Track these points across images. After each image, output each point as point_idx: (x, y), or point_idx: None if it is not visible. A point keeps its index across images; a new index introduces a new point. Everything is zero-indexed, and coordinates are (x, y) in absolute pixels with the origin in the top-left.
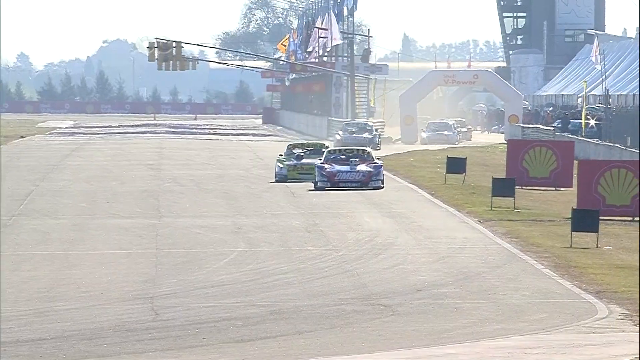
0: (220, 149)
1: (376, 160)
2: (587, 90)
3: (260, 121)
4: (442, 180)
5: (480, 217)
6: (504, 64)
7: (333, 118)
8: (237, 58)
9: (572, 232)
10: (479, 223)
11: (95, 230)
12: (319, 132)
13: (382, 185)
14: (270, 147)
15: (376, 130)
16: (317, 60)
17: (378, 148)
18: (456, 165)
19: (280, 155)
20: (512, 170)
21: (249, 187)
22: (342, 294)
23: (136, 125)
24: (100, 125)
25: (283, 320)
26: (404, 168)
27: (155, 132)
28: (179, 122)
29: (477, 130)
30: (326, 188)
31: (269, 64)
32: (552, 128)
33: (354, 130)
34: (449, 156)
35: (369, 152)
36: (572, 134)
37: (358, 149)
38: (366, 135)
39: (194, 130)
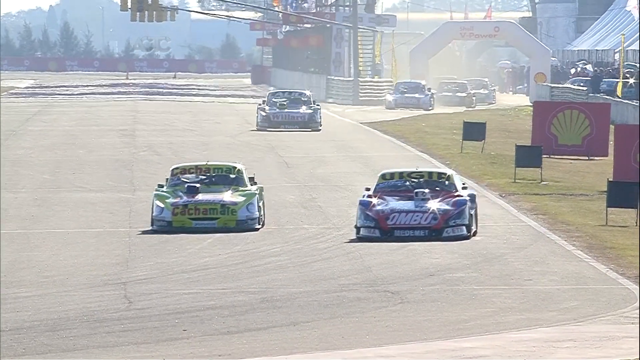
0: (203, 113)
1: (460, 192)
2: (625, 44)
3: (249, 80)
4: (458, 148)
5: (502, 190)
6: (529, 14)
7: (333, 77)
8: (223, 7)
9: (608, 208)
10: (501, 197)
11: (59, 206)
12: (316, 92)
13: (469, 234)
14: None
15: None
16: (314, 10)
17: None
18: (474, 131)
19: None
20: (539, 136)
21: (237, 156)
22: (343, 279)
23: (106, 85)
24: (65, 84)
25: (275, 309)
26: (415, 134)
27: (128, 93)
28: (156, 81)
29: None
30: (374, 238)
31: (259, 14)
32: (585, 88)
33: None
34: (465, 121)
35: (448, 175)
36: (606, 95)
37: (431, 173)
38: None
39: (173, 90)
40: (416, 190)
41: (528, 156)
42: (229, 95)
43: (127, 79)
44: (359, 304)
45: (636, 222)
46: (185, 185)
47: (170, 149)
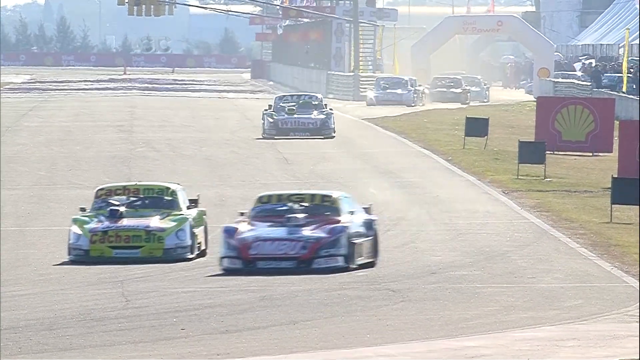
0: (201, 108)
1: (345, 217)
2: (630, 39)
3: (248, 75)
4: (460, 144)
5: (505, 187)
6: (533, 9)
7: (333, 72)
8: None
9: (612, 205)
10: (504, 194)
11: (55, 203)
12: (316, 88)
13: (347, 265)
14: (260, 106)
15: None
16: (314, 4)
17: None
18: (477, 126)
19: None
20: (542, 132)
21: (236, 153)
22: (343, 277)
23: (103, 81)
24: (61, 80)
25: (275, 307)
26: (416, 130)
27: (125, 88)
28: (154, 76)
29: (499, 87)
30: (236, 270)
31: (259, 8)
32: (589, 83)
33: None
34: (468, 116)
35: (334, 198)
36: (610, 90)
37: (313, 196)
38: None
39: (171, 86)
40: (288, 216)
41: (531, 152)
42: (228, 91)
43: (124, 74)
44: (360, 302)
45: None
46: (108, 209)
47: (168, 145)
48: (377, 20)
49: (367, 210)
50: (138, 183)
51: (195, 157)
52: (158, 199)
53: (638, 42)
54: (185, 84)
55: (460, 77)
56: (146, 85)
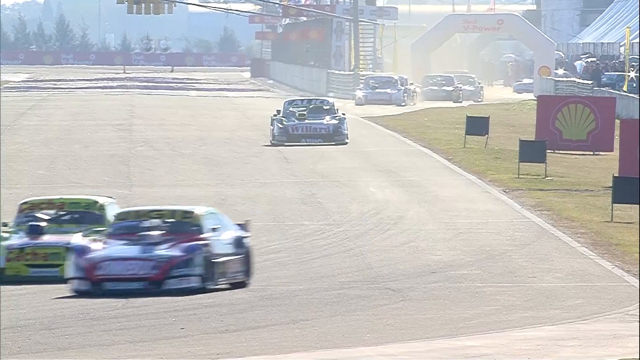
0: (201, 107)
1: (209, 234)
2: (631, 37)
3: (248, 74)
4: (460, 143)
5: (506, 186)
6: (533, 7)
7: (333, 71)
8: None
9: (614, 204)
10: (504, 193)
11: None
12: (316, 87)
13: (203, 285)
14: (260, 105)
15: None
16: (314, 2)
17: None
18: (477, 125)
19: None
20: (543, 131)
21: (235, 152)
22: (343, 276)
23: (103, 79)
24: (60, 78)
25: (275, 307)
26: (416, 129)
27: (125, 87)
28: (153, 75)
29: (500, 85)
30: (86, 292)
31: (258, 7)
32: (590, 82)
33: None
34: (469, 115)
35: (196, 215)
36: (611, 89)
37: (173, 212)
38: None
39: (171, 84)
40: (140, 234)
41: (532, 151)
42: (227, 90)
43: (123, 72)
44: (360, 301)
45: None
46: (28, 224)
47: (167, 144)
48: (377, 19)
49: (243, 226)
50: (64, 197)
51: (195, 156)
52: (86, 214)
53: (638, 41)
54: (185, 83)
55: (453, 76)
56: (145, 84)
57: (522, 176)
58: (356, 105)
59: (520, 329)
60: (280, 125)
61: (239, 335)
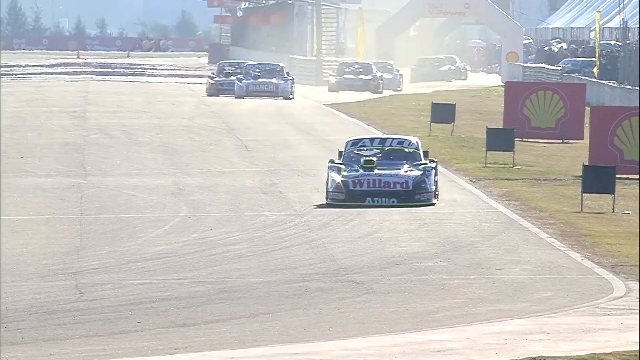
0: (158, 94)
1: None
2: (601, 22)
3: (206, 60)
4: (426, 130)
5: (472, 175)
6: None
7: (295, 56)
8: None
9: (583, 194)
10: (471, 182)
11: (7, 192)
12: None
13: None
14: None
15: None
16: None
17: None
18: (443, 112)
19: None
20: (511, 119)
21: (193, 140)
22: (305, 268)
23: (56, 65)
24: (12, 64)
25: (234, 300)
26: (381, 117)
27: (79, 73)
28: (108, 60)
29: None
30: None
31: None
32: (560, 68)
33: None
34: (434, 102)
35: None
36: (581, 75)
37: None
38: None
39: (126, 70)
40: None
41: (500, 139)
42: (185, 76)
43: (78, 57)
44: (322, 294)
45: (612, 209)
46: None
47: (123, 132)
48: (340, 3)
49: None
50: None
51: (152, 143)
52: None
53: (614, 25)
54: (141, 69)
55: (371, 63)
56: (100, 69)
57: (489, 165)
58: (329, 91)
59: (487, 322)
60: (339, 179)
61: (197, 329)
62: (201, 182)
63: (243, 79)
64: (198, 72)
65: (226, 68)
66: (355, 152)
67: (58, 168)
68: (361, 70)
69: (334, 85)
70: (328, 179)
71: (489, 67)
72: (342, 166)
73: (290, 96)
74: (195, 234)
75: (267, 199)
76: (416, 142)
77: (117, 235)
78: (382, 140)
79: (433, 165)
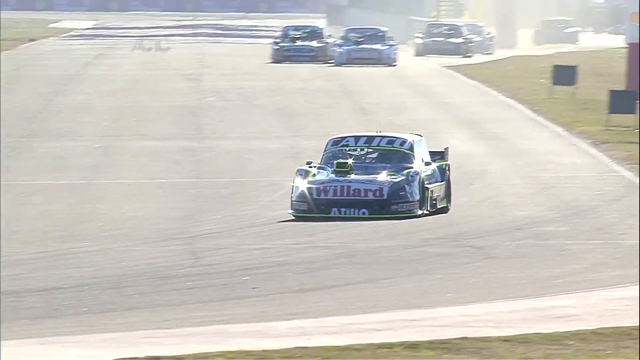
0: None
1: None
2: None
3: (323, 21)
4: (546, 93)
5: (594, 138)
6: None
7: (414, 17)
8: None
9: None
10: (593, 146)
11: (122, 155)
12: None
13: None
14: None
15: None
16: None
17: (469, 55)
18: (565, 74)
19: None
20: (633, 80)
21: (310, 102)
22: (424, 233)
23: (172, 27)
24: (127, 26)
25: (352, 265)
26: (500, 78)
27: (195, 35)
28: (224, 22)
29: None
30: None
31: None
32: None
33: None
34: (555, 64)
35: None
36: None
37: None
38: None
39: (243, 32)
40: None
41: (622, 102)
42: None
43: (193, 19)
44: (441, 259)
45: None
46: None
47: (239, 94)
48: None
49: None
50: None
51: (268, 106)
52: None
53: None
54: (258, 30)
55: (462, 24)
56: (216, 31)
57: (611, 128)
58: (416, 55)
59: (609, 288)
60: (304, 186)
61: (314, 295)
62: (317, 146)
63: (343, 45)
64: None
65: (291, 32)
66: (338, 152)
67: (173, 131)
68: (452, 32)
69: (421, 47)
70: (293, 186)
71: (613, 27)
72: (312, 170)
73: (394, 63)
74: None
75: None
76: (412, 141)
77: (232, 199)
78: (369, 139)
79: (428, 169)
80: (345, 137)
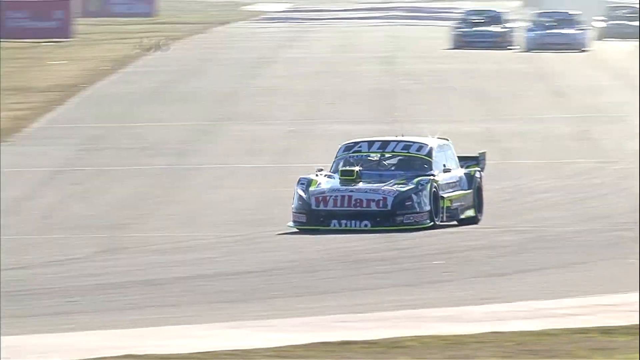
0: None
1: None
2: None
3: (517, 3)
4: None
5: None
6: None
7: None
8: None
9: None
10: None
11: (315, 139)
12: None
13: None
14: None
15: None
16: None
17: (585, 49)
18: None
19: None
20: None
21: (505, 85)
22: (619, 217)
23: (366, 9)
24: (322, 8)
25: (546, 249)
26: None
27: (388, 17)
28: (417, 4)
29: None
30: None
31: None
32: None
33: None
34: None
35: None
36: None
37: None
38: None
39: (436, 14)
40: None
41: None
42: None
43: (386, 2)
44: (636, 244)
45: None
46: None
47: (433, 77)
48: None
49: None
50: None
51: (463, 89)
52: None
53: None
54: (455, 12)
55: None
56: (410, 13)
57: None
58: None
59: None
60: (305, 195)
61: (507, 279)
62: (513, 129)
63: (532, 29)
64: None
65: (471, 17)
66: (349, 159)
67: (367, 115)
68: (632, 15)
69: (603, 31)
70: (294, 195)
71: None
72: (317, 178)
73: (586, 48)
74: (506, 181)
75: (580, 145)
76: (431, 147)
77: None
78: (384, 144)
79: (449, 176)
80: (357, 142)
